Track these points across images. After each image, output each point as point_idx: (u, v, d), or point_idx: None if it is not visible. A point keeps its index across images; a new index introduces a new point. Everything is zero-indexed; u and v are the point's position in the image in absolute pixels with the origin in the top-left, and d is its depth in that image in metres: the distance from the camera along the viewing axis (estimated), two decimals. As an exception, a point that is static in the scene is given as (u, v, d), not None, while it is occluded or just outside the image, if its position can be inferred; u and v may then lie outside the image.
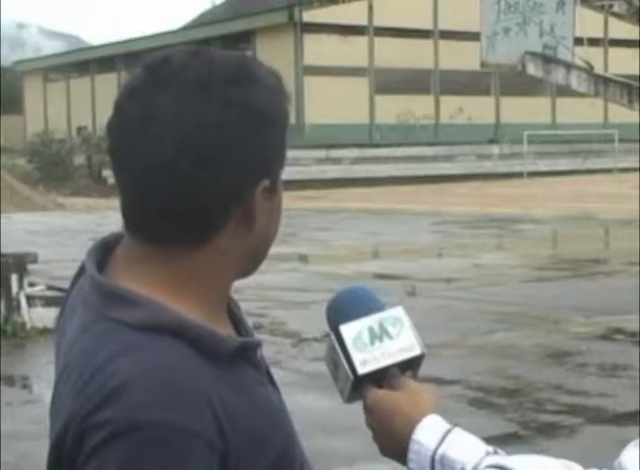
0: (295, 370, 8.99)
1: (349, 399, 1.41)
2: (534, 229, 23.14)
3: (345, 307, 1.40)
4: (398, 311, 1.41)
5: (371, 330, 1.38)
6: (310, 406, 7.53)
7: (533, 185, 39.30)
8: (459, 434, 1.38)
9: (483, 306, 12.20)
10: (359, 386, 1.39)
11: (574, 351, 9.64)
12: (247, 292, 12.44)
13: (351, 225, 24.58)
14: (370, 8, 50.16)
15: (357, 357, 1.37)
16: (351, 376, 1.37)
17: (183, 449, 1.21)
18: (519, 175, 44.55)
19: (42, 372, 9.19)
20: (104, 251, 1.37)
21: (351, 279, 14.70)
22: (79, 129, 58.27)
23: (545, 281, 14.51)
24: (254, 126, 1.29)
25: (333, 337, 1.39)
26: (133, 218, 1.32)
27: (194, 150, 1.25)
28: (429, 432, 1.38)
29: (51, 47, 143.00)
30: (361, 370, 1.36)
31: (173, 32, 59.71)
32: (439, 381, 8.24)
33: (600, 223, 23.96)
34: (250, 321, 1.46)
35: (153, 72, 1.30)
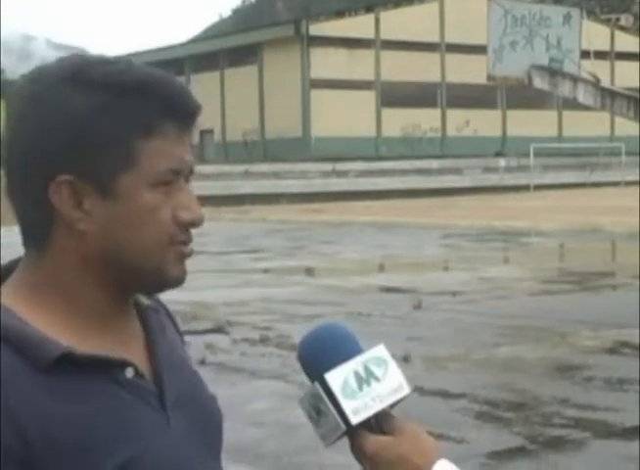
0: (300, 384, 8.96)
1: (333, 443, 1.33)
2: (541, 242, 23.12)
3: (323, 351, 1.32)
4: (381, 350, 1.33)
5: (357, 374, 1.30)
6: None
7: (540, 198, 39.29)
8: None
9: (490, 320, 12.17)
10: (349, 432, 1.31)
11: (581, 364, 9.61)
12: (253, 305, 12.46)
13: (358, 238, 24.58)
14: (377, 21, 50.28)
15: (348, 407, 1.29)
16: (343, 426, 1.29)
17: None
18: (525, 188, 44.56)
19: None
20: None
21: (358, 292, 14.69)
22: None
23: (552, 294, 14.48)
24: (54, 125, 1.28)
25: (318, 386, 1.30)
26: None
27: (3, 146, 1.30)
28: None
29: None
30: (354, 420, 1.29)
31: (181, 45, 59.94)
32: (446, 394, 8.20)
33: (607, 236, 23.93)
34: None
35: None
